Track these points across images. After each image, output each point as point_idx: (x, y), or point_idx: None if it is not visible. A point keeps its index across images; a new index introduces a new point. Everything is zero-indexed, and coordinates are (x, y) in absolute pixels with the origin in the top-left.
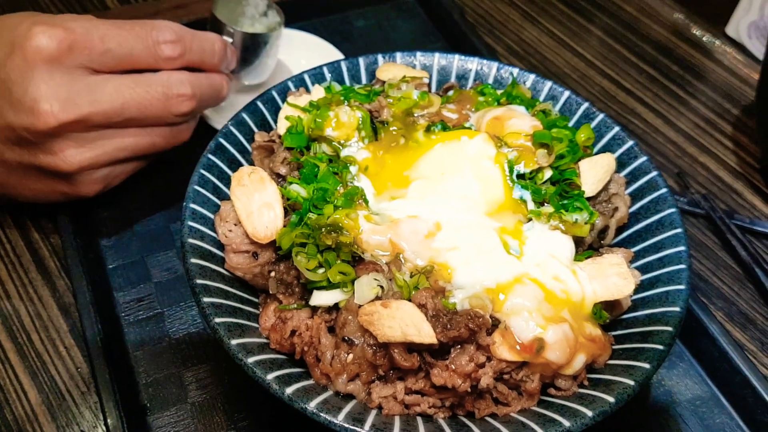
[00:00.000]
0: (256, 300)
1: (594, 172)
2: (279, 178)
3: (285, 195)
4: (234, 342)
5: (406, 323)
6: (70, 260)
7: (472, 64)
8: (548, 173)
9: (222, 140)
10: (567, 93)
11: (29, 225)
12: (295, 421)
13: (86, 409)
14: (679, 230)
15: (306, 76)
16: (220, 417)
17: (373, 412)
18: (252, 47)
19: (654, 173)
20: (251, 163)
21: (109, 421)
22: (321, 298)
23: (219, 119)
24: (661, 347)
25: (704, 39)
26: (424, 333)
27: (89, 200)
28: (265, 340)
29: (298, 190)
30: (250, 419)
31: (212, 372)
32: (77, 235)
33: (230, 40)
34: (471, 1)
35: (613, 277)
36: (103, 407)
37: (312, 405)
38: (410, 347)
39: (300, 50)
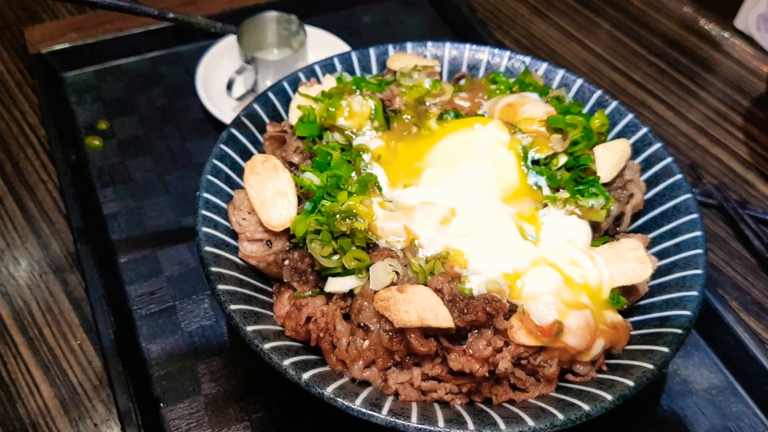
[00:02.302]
0: (269, 289)
1: (609, 158)
2: (291, 167)
3: (298, 183)
4: (250, 329)
5: (423, 308)
6: (81, 254)
7: (483, 54)
8: (563, 159)
9: (234, 131)
10: (579, 81)
11: (40, 220)
12: (310, 413)
13: (99, 402)
14: (695, 215)
15: (317, 67)
16: (234, 409)
17: (390, 398)
18: (272, 71)
19: (669, 159)
20: (263, 153)
21: (122, 413)
22: (336, 285)
23: (226, 114)
24: (679, 331)
25: (713, 32)
26: (441, 317)
27: (99, 193)
28: (280, 328)
29: (312, 178)
30: (263, 411)
31: (225, 364)
32: (88, 230)
33: (250, 66)
34: None
35: (631, 261)
36: (116, 400)
37: (329, 390)
38: (427, 332)
39: (309, 45)
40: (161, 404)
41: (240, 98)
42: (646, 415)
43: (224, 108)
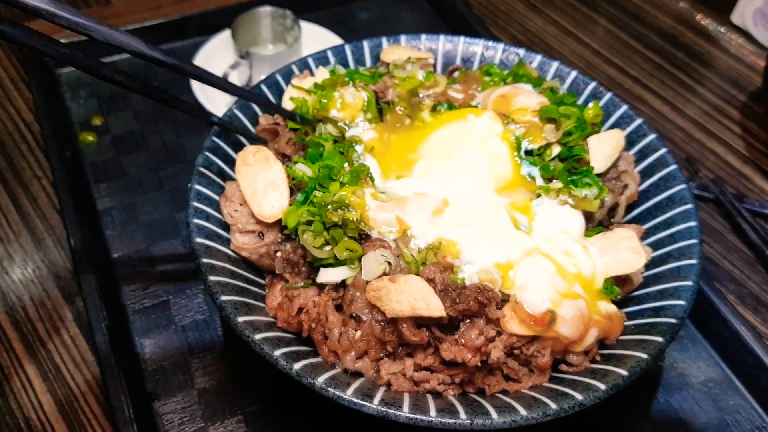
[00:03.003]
0: (262, 281)
1: (603, 149)
2: (284, 159)
3: (290, 175)
4: (241, 319)
5: (415, 297)
6: (74, 250)
7: (477, 47)
8: (556, 149)
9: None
10: (574, 73)
11: (33, 214)
12: (303, 405)
13: (91, 396)
14: (689, 206)
15: (310, 60)
16: (227, 403)
17: (383, 389)
18: (267, 67)
19: (663, 150)
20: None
21: (114, 408)
22: (328, 275)
23: (220, 109)
24: (674, 321)
25: (710, 27)
26: (433, 306)
27: (93, 189)
28: (272, 319)
29: (304, 170)
30: (257, 405)
31: (218, 359)
32: (82, 225)
33: (244, 61)
34: None
35: (624, 251)
36: (109, 395)
37: (320, 380)
38: (419, 322)
39: (304, 41)
40: (154, 399)
41: None
42: (643, 408)
43: (219, 103)
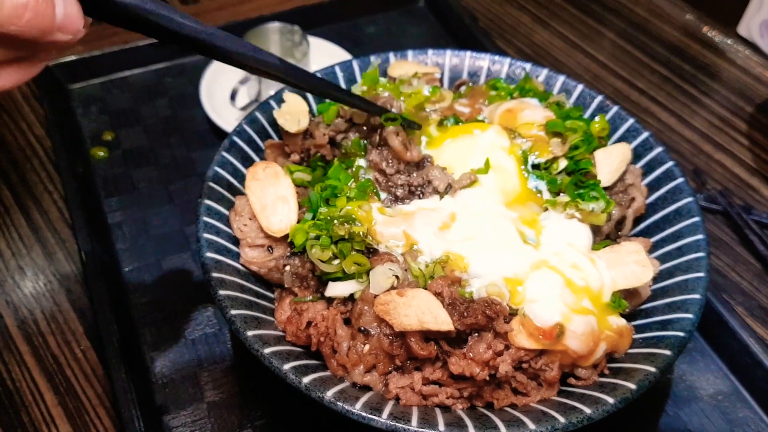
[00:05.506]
0: (271, 295)
1: (609, 162)
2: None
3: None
4: (250, 333)
5: (423, 311)
6: (85, 263)
7: (484, 61)
8: (563, 163)
9: (236, 138)
10: (580, 87)
11: (44, 228)
12: (312, 419)
13: (102, 409)
14: (696, 219)
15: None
16: (237, 416)
17: (391, 403)
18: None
19: (670, 163)
20: (264, 160)
21: (125, 421)
22: (336, 289)
23: (229, 123)
24: (682, 334)
25: (716, 39)
26: (441, 320)
27: (104, 203)
28: (281, 333)
29: (302, 176)
30: (266, 418)
31: (228, 372)
32: (93, 239)
33: (253, 76)
34: (481, 6)
35: (632, 265)
36: (119, 408)
37: (329, 394)
38: (427, 336)
39: (312, 55)
40: (164, 412)
41: (244, 108)
42: (652, 422)
43: (228, 118)
